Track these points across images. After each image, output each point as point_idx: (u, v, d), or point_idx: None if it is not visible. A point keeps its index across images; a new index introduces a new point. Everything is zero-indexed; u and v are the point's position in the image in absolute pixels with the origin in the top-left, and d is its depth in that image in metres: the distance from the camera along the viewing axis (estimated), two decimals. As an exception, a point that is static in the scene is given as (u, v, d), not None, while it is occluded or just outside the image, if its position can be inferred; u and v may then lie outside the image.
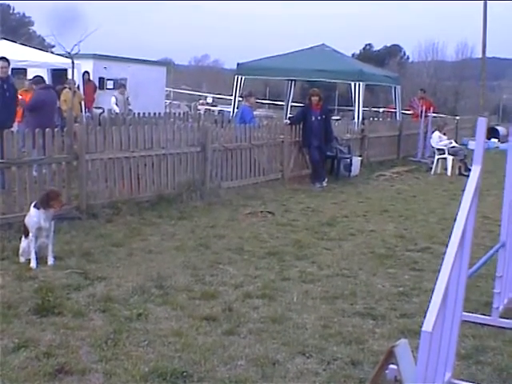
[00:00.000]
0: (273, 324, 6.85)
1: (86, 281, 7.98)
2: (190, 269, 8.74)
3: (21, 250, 8.68)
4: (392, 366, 4.75)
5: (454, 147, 21.17)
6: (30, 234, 8.62)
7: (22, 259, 8.66)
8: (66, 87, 20.22)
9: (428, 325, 3.60)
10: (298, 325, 6.88)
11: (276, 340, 6.43)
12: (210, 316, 6.95)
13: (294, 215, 12.79)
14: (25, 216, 9.07)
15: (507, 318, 7.08)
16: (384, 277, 8.84)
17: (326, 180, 16.94)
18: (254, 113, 19.20)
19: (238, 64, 24.19)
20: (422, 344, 3.63)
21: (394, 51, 70.33)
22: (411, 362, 4.65)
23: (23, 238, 8.74)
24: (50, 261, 8.64)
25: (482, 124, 4.66)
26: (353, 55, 56.21)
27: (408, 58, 70.77)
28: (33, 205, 8.86)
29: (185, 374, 5.53)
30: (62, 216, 9.64)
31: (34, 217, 8.71)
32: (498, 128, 32.92)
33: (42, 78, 15.88)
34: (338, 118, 29.05)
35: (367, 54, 64.22)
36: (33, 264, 8.48)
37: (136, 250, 9.54)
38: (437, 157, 20.87)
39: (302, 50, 24.52)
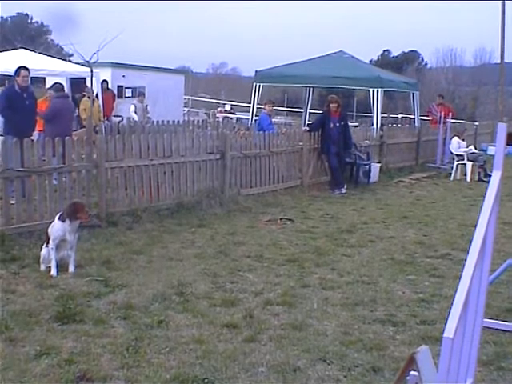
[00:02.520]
0: (293, 331, 6.86)
1: (106, 288, 8.02)
2: (210, 276, 8.76)
3: (41, 258, 8.72)
4: (413, 373, 4.74)
5: (473, 153, 21.09)
6: (51, 243, 8.65)
7: (42, 267, 8.70)
8: (84, 95, 20.34)
9: (449, 331, 3.58)
10: (318, 331, 6.88)
11: (297, 347, 6.44)
12: (231, 323, 6.97)
13: (314, 222, 12.78)
14: (45, 224, 9.13)
15: (529, 325, 7.06)
16: (404, 283, 8.82)
17: (345, 187, 16.93)
18: (273, 120, 19.30)
19: (256, 71, 24.23)
20: (443, 350, 3.62)
21: (411, 57, 70.09)
22: (432, 368, 4.64)
23: (44, 246, 8.78)
24: (71, 269, 8.67)
25: (503, 130, 4.65)
26: (371, 61, 56.15)
27: (426, 63, 70.53)
28: (57, 217, 8.89)
29: (206, 380, 5.55)
30: (83, 224, 9.67)
31: (58, 229, 8.73)
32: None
33: (61, 85, 15.97)
34: (355, 124, 28.98)
35: (385, 60, 64.07)
36: (53, 272, 8.53)
37: (156, 258, 9.58)
38: (456, 163, 20.78)
39: (320, 56, 24.52)
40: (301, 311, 7.51)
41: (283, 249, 10.51)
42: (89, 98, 19.20)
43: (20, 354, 5.98)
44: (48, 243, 8.71)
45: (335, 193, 16.59)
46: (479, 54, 65.43)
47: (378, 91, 21.90)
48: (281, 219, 12.72)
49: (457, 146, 21.18)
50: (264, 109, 18.29)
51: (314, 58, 24.38)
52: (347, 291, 8.34)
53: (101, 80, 23.99)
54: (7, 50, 25.60)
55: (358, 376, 5.82)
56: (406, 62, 67.51)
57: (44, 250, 8.73)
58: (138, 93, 25.75)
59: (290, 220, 12.73)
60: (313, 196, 15.90)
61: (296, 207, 14.34)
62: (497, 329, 6.97)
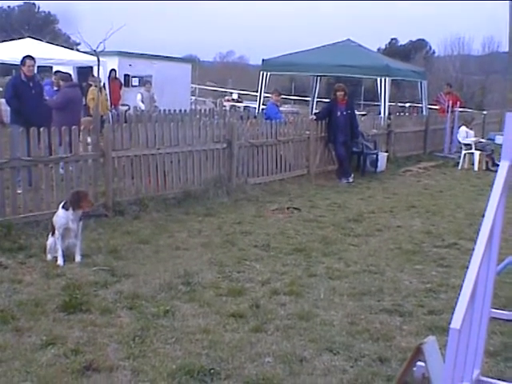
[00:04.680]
0: (300, 321, 6.84)
1: (113, 278, 8.01)
2: (217, 265, 8.74)
3: (48, 248, 8.72)
4: (420, 363, 4.73)
5: (481, 142, 21.02)
6: (56, 233, 8.65)
7: (49, 257, 8.70)
8: (91, 85, 20.32)
9: (456, 322, 3.57)
10: (325, 321, 6.86)
11: (303, 337, 6.41)
12: (237, 313, 6.95)
13: (321, 211, 12.75)
14: (52, 214, 9.12)
15: (536, 315, 7.02)
16: (411, 273, 8.79)
17: (353, 176, 16.89)
18: (280, 109, 19.28)
19: (263, 60, 24.20)
20: (450, 341, 3.60)
21: (419, 45, 69.87)
22: (439, 359, 4.62)
23: (50, 236, 8.78)
24: (78, 258, 8.67)
25: (511, 119, 4.62)
26: (378, 50, 56.02)
27: (434, 52, 70.24)
28: (61, 205, 8.88)
29: (212, 371, 5.53)
30: (89, 213, 9.65)
31: (62, 217, 8.72)
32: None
33: (69, 75, 16.03)
34: (363, 113, 28.89)
35: (393, 49, 63.98)
36: (60, 261, 8.53)
37: (163, 247, 9.57)
38: (464, 152, 20.71)
39: (328, 45, 24.47)
40: (307, 301, 7.49)
41: (290, 238, 10.49)
42: (96, 87, 19.18)
43: (26, 343, 5.97)
44: (54, 233, 8.71)
45: (342, 182, 16.55)
46: (487, 43, 65.01)
47: (385, 80, 21.86)
48: (288, 208, 12.69)
49: (464, 135, 21.12)
50: (271, 98, 18.32)
51: (322, 47, 24.35)
52: (354, 281, 8.32)
53: (109, 69, 24.01)
54: (14, 39, 25.63)
55: (365, 366, 5.79)
56: (413, 50, 67.30)
57: (50, 240, 8.73)
58: (146, 81, 25.69)
59: (297, 209, 12.70)
60: (320, 185, 15.87)
61: (303, 196, 14.31)
62: (504, 319, 6.94)
